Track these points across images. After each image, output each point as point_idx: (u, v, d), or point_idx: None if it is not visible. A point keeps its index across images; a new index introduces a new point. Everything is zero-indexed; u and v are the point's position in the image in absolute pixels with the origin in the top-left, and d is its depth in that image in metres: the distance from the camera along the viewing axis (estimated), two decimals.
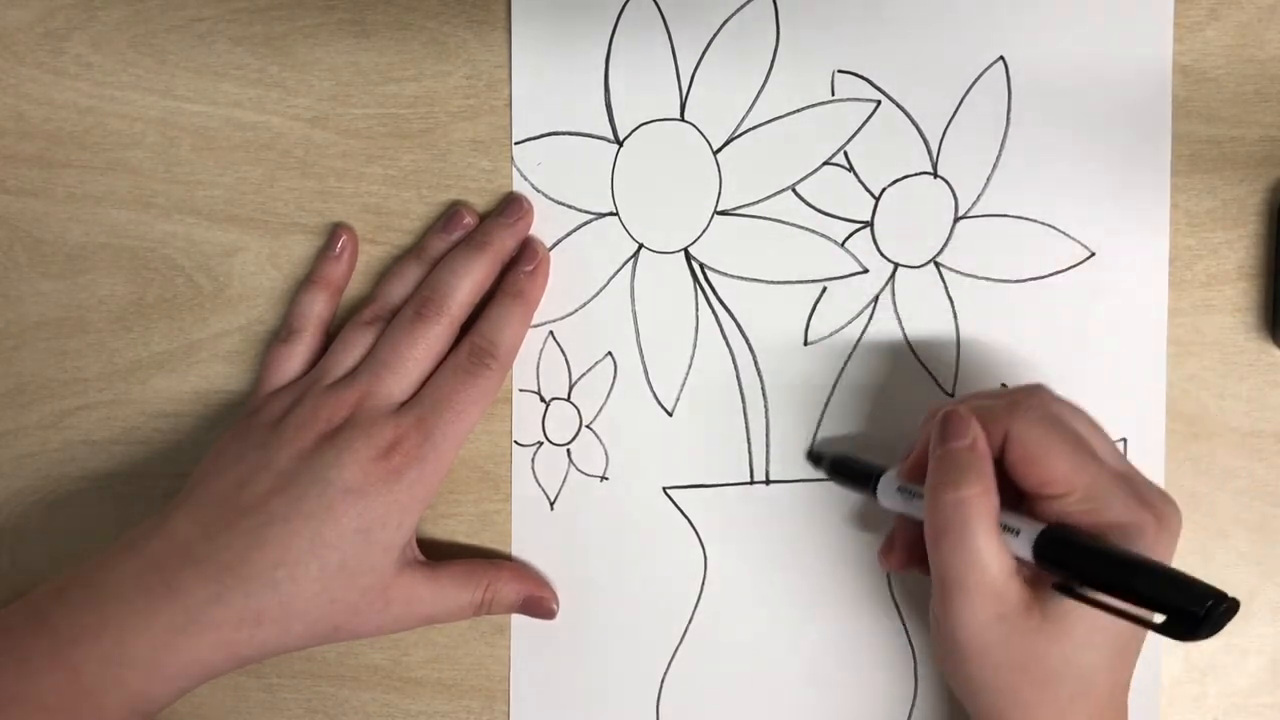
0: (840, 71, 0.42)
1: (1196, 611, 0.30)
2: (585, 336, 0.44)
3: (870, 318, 0.43)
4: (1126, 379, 0.42)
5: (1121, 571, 0.32)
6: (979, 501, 0.34)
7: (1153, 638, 0.35)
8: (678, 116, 0.43)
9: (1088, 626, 0.34)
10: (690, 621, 0.44)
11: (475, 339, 0.41)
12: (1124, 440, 0.42)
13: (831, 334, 0.43)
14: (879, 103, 0.42)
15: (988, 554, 0.34)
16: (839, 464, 0.41)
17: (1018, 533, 0.34)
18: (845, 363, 0.43)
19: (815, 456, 0.43)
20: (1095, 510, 0.34)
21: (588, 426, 0.44)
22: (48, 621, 0.38)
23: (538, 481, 0.44)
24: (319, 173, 0.44)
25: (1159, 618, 0.31)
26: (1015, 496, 0.35)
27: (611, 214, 0.43)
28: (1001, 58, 0.42)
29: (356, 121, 0.44)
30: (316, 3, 0.44)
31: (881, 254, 0.43)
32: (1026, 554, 0.34)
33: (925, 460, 0.36)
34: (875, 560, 0.43)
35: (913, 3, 0.42)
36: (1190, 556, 0.42)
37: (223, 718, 0.45)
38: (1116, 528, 0.34)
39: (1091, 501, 0.34)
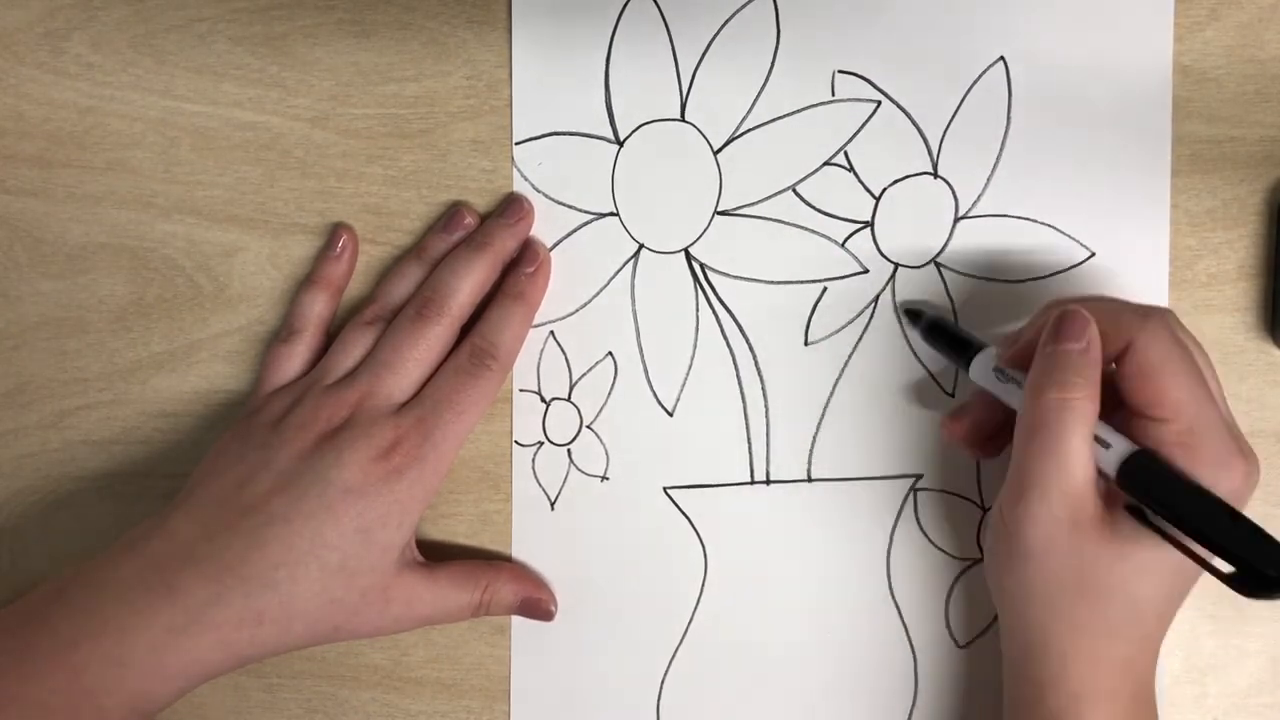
0: (840, 71, 0.42)
1: (1272, 574, 0.30)
2: (585, 336, 0.44)
3: (870, 318, 0.43)
4: None
5: (1207, 514, 0.31)
6: (1081, 406, 0.34)
7: (1195, 598, 0.35)
8: (678, 116, 0.43)
9: (1152, 555, 0.34)
10: (690, 621, 0.44)
11: (476, 340, 0.41)
12: None
13: (831, 334, 0.43)
14: (879, 103, 0.42)
15: (1077, 459, 0.34)
16: (937, 327, 0.41)
17: (1108, 447, 0.34)
18: (845, 363, 0.43)
19: (913, 313, 0.42)
20: (1191, 446, 0.34)
21: (588, 426, 0.44)
22: (48, 622, 0.38)
23: (538, 481, 0.44)
24: (319, 173, 0.44)
25: (1227, 566, 0.31)
26: (1111, 407, 0.35)
27: (612, 214, 0.43)
28: (1001, 58, 0.42)
29: (356, 121, 0.44)
30: (316, 3, 0.44)
31: (882, 254, 0.43)
32: (1111, 470, 0.34)
33: (1031, 350, 0.36)
34: (875, 560, 0.43)
35: (913, 3, 0.42)
36: None
37: (223, 718, 0.45)
38: (1207, 468, 0.33)
39: (1191, 435, 0.34)
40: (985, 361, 0.38)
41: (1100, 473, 0.34)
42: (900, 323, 0.42)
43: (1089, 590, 0.34)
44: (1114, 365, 0.35)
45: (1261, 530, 0.31)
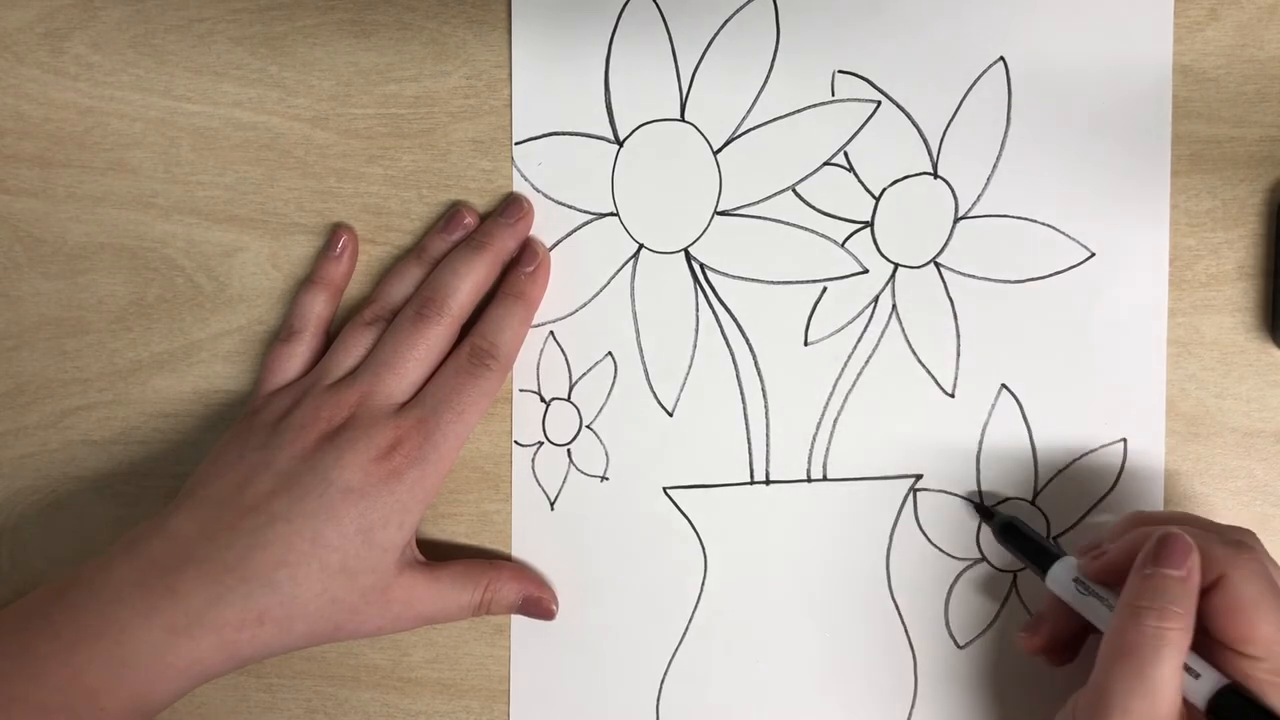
0: (840, 71, 0.42)
1: None
2: (585, 336, 0.44)
3: (870, 318, 0.43)
4: (1126, 379, 0.42)
5: None
6: (1176, 636, 0.33)
7: None
8: (678, 116, 0.43)
9: None
10: (690, 621, 0.44)
11: (476, 340, 0.41)
12: (1124, 440, 0.42)
13: (831, 334, 0.43)
14: (879, 103, 0.42)
15: (1165, 689, 0.33)
16: (1011, 530, 0.40)
17: (1198, 676, 0.33)
18: (845, 363, 0.43)
19: (985, 511, 0.42)
20: None
21: (588, 426, 0.44)
22: (49, 622, 0.38)
23: (538, 481, 0.44)
24: (319, 173, 0.44)
25: None
26: (1197, 635, 0.34)
27: (611, 214, 0.43)
28: (1001, 58, 0.42)
29: (356, 121, 0.44)
30: (316, 3, 0.44)
31: (881, 254, 0.43)
32: (1199, 701, 0.33)
33: (1121, 566, 0.35)
34: (875, 560, 0.43)
35: (913, 3, 0.42)
36: None
37: (223, 718, 0.45)
38: None
39: None
40: (1065, 571, 0.37)
41: (1186, 702, 0.34)
42: (976, 511, 0.42)
43: None
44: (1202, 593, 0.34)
45: None
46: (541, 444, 0.44)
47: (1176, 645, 0.33)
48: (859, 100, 0.42)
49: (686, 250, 0.43)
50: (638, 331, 0.43)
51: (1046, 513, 0.42)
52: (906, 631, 0.43)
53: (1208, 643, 0.34)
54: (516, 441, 0.44)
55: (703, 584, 0.43)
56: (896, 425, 0.43)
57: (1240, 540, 0.35)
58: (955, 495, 0.42)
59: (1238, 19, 0.41)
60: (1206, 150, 0.42)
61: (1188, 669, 0.33)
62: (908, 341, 0.43)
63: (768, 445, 0.43)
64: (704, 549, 0.43)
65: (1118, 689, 0.33)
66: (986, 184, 0.42)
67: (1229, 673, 0.33)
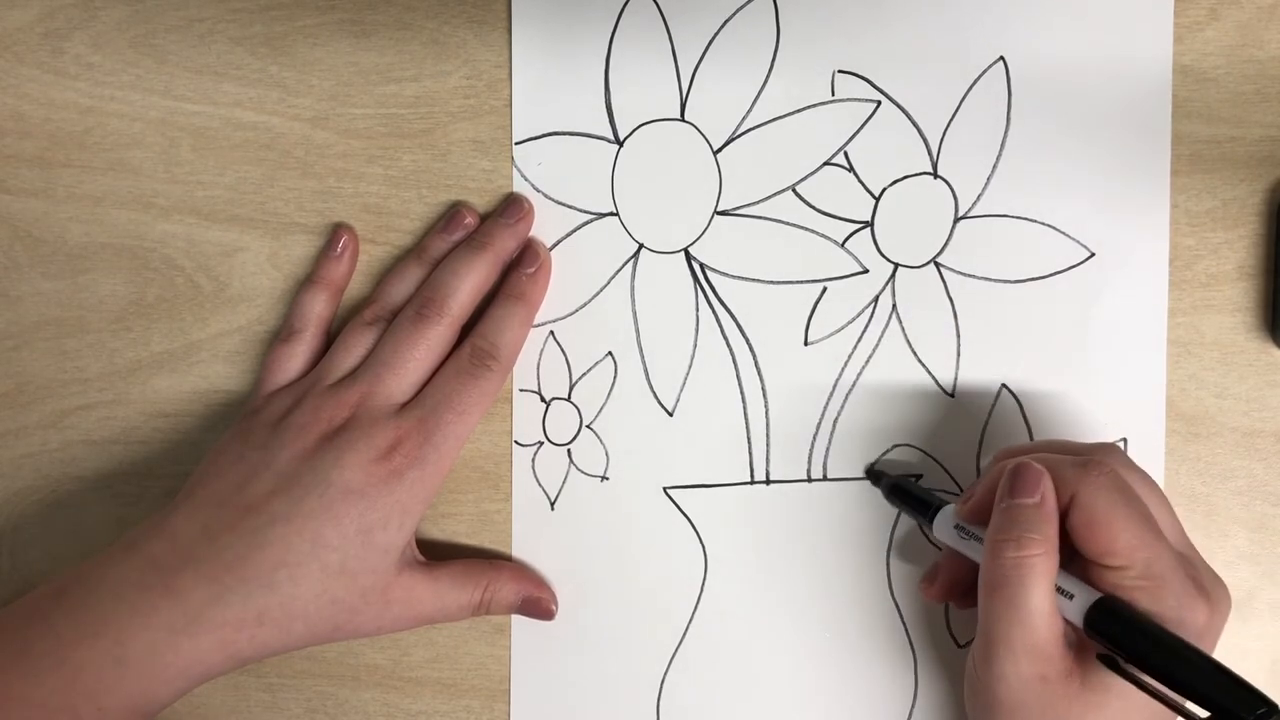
0: (840, 71, 0.42)
1: (1246, 717, 0.30)
2: (585, 336, 0.44)
3: (870, 318, 0.43)
4: (1126, 379, 0.42)
5: (1174, 660, 0.31)
6: (1039, 562, 0.33)
7: None
8: (678, 116, 0.43)
9: (1124, 703, 0.33)
10: (690, 621, 0.44)
11: (477, 341, 0.41)
12: (1124, 440, 0.42)
13: (831, 334, 0.43)
14: (879, 103, 0.42)
15: (1040, 615, 0.33)
16: (897, 489, 0.41)
17: (1072, 597, 0.34)
18: (845, 363, 0.43)
19: (874, 474, 0.42)
20: (1151, 589, 0.33)
21: (588, 426, 0.44)
22: (48, 621, 0.38)
23: (538, 481, 0.44)
24: (319, 173, 0.44)
25: (1202, 711, 0.31)
26: (1070, 555, 0.35)
27: (612, 214, 0.43)
28: (1001, 58, 0.42)
29: (356, 121, 0.44)
30: (316, 3, 0.44)
31: (881, 254, 0.43)
32: (1077, 620, 0.33)
33: (988, 504, 0.36)
34: (875, 560, 0.43)
35: (913, 3, 0.42)
36: None
37: (223, 718, 0.45)
38: (1170, 609, 0.33)
39: (1149, 579, 0.33)
40: (946, 519, 0.38)
41: (1069, 623, 0.34)
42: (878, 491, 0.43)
43: None
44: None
45: (1231, 672, 0.31)
46: (541, 444, 0.44)
47: (1041, 571, 0.33)
48: (859, 100, 0.42)
49: (686, 250, 0.43)
50: (638, 331, 0.43)
51: None
52: (907, 631, 0.43)
53: (1081, 563, 0.35)
54: (516, 441, 0.44)
55: (703, 584, 0.43)
56: (896, 426, 0.43)
57: (1092, 454, 0.35)
58: (956, 495, 0.42)
59: (1238, 19, 0.41)
60: (1206, 150, 0.42)
61: (1062, 591, 0.34)
62: (908, 341, 0.43)
63: (768, 445, 0.43)
64: (704, 549, 0.43)
65: (996, 623, 0.34)
66: (986, 184, 0.42)
67: (1101, 587, 0.34)
